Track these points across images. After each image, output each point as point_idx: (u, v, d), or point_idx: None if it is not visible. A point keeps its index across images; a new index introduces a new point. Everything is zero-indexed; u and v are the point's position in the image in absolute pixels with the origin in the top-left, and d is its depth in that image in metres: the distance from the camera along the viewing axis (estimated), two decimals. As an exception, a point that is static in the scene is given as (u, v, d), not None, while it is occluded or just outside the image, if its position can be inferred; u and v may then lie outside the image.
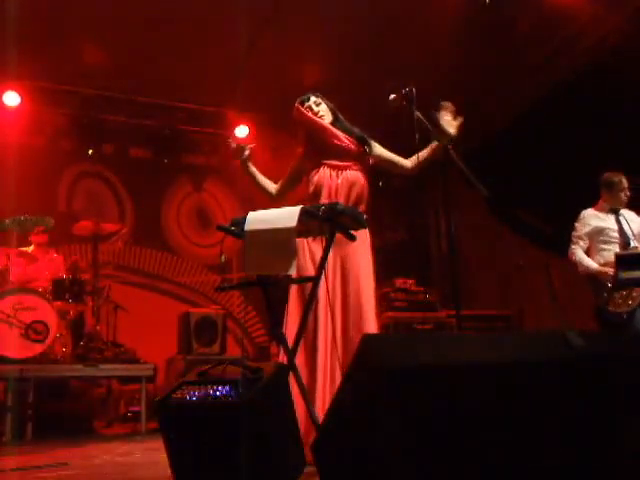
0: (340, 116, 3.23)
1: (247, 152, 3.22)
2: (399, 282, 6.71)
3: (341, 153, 3.10)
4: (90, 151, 7.40)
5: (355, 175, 3.09)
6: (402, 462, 1.27)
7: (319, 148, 3.13)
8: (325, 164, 3.10)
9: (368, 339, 1.42)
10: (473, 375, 1.36)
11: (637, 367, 1.53)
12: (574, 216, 4.66)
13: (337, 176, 3.07)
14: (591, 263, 4.38)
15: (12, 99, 6.69)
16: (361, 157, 3.14)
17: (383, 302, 6.37)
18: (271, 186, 3.32)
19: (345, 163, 3.09)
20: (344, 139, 3.11)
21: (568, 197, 5.40)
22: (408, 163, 3.21)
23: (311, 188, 3.10)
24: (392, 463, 1.30)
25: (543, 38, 5.96)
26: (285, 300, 3.00)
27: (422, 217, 8.78)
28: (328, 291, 2.85)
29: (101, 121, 7.31)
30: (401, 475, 1.28)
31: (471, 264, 7.25)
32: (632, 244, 4.33)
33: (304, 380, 2.72)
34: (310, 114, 3.16)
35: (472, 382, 1.35)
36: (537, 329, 6.23)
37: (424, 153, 3.08)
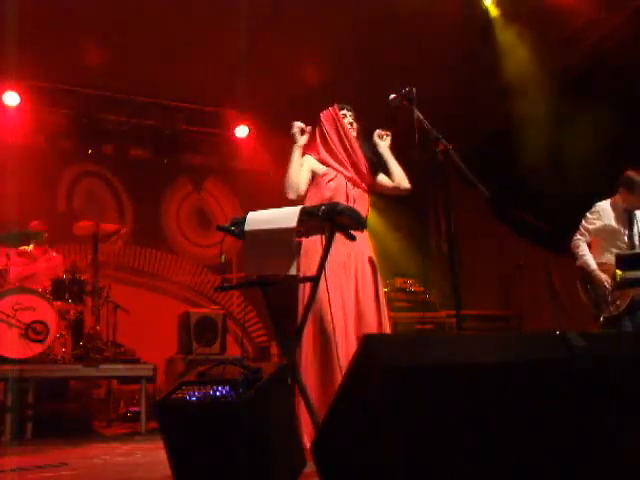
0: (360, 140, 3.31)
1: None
2: (399, 282, 6.71)
3: (355, 171, 3.21)
4: (89, 151, 7.41)
5: (364, 195, 3.23)
6: (402, 462, 1.27)
7: (338, 157, 3.21)
8: (340, 173, 3.19)
9: (368, 339, 1.42)
10: (473, 375, 1.36)
11: (637, 367, 1.53)
12: (574, 215, 4.64)
13: (352, 187, 3.18)
14: (591, 262, 4.30)
15: (12, 99, 6.69)
16: (367, 181, 3.26)
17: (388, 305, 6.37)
18: (300, 188, 3.16)
19: (357, 180, 3.21)
20: (361, 162, 3.22)
21: (568, 197, 5.40)
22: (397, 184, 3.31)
23: (327, 193, 3.14)
24: (392, 463, 1.30)
25: (543, 38, 5.95)
26: (285, 300, 3.01)
27: (422, 217, 8.78)
28: (328, 291, 2.87)
29: (101, 121, 7.31)
30: (401, 475, 1.28)
31: (471, 264, 7.24)
32: (638, 251, 4.21)
33: (318, 380, 2.74)
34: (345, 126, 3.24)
35: (472, 382, 1.35)
36: (537, 329, 6.23)
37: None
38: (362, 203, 3.17)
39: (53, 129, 7.17)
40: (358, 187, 3.21)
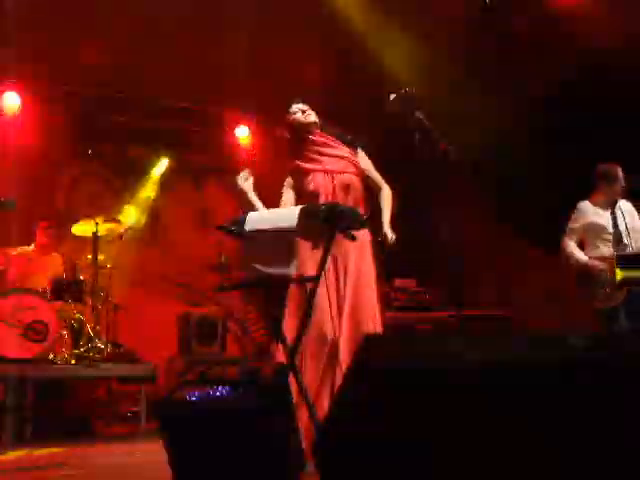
0: (326, 122, 3.20)
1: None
2: (399, 282, 6.70)
3: (334, 157, 3.10)
4: (89, 151, 7.41)
5: (350, 178, 3.08)
6: (402, 462, 1.27)
7: (311, 155, 3.11)
8: (319, 170, 3.07)
9: (368, 339, 1.42)
10: (473, 375, 1.36)
11: (637, 368, 1.53)
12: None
13: (332, 180, 3.05)
14: (582, 256, 4.37)
15: (12, 99, 6.69)
16: (353, 161, 3.13)
17: (383, 302, 6.36)
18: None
19: (339, 168, 3.08)
20: (334, 143, 3.12)
21: (569, 197, 5.40)
22: (381, 190, 3.27)
23: (308, 193, 3.06)
24: (392, 463, 1.30)
25: (543, 38, 5.95)
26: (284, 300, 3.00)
27: (422, 217, 8.77)
28: (328, 291, 2.85)
29: (101, 121, 7.30)
30: (401, 475, 1.28)
31: (471, 264, 7.24)
32: (624, 241, 4.30)
33: (317, 380, 2.74)
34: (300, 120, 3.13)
35: (472, 382, 1.35)
36: (537, 329, 6.22)
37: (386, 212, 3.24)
38: (344, 189, 3.04)
39: (53, 129, 7.16)
40: (341, 174, 3.07)
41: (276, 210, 2.54)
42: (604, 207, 4.43)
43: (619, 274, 4.16)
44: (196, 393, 2.08)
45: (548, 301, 5.65)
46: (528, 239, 6.75)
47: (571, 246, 4.44)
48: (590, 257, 4.34)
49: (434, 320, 6.50)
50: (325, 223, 2.52)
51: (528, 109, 6.45)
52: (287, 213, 2.48)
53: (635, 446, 1.43)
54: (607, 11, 5.53)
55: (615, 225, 4.36)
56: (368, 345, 1.39)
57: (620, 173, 4.43)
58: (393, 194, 3.32)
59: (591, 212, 4.45)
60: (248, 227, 2.51)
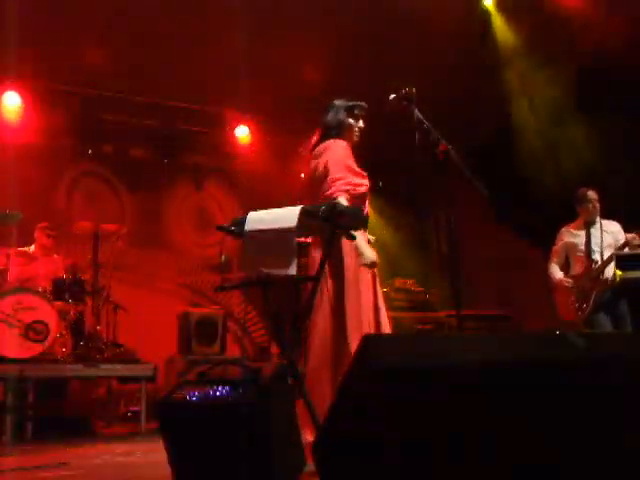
0: None
1: None
2: (399, 282, 6.69)
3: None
4: (89, 151, 7.42)
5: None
6: (402, 462, 1.27)
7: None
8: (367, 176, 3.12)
9: (368, 339, 1.42)
10: (473, 375, 1.36)
11: (637, 367, 1.53)
12: (574, 215, 4.75)
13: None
14: (555, 275, 4.74)
15: (12, 99, 6.69)
16: None
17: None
18: None
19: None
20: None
21: (569, 196, 5.41)
22: None
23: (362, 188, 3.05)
24: (392, 463, 1.30)
25: (543, 39, 5.95)
26: (285, 300, 3.00)
27: (422, 217, 8.77)
28: (345, 290, 2.86)
29: (101, 121, 7.30)
30: (401, 475, 1.28)
31: (471, 264, 7.24)
32: (594, 257, 4.51)
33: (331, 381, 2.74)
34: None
35: (472, 382, 1.35)
36: (537, 329, 6.22)
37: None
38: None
39: (53, 129, 7.16)
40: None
41: (276, 210, 2.53)
42: (582, 228, 4.69)
43: (618, 274, 4.26)
44: (196, 393, 2.08)
45: (548, 301, 5.65)
46: (528, 239, 6.75)
47: (551, 267, 4.82)
48: (569, 275, 4.68)
49: (434, 320, 6.50)
50: (325, 223, 2.52)
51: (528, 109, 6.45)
52: (287, 213, 2.48)
53: (634, 446, 1.43)
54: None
55: (587, 243, 4.58)
56: (367, 345, 1.39)
57: (590, 194, 4.65)
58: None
59: (568, 234, 4.76)
60: (248, 227, 2.50)
